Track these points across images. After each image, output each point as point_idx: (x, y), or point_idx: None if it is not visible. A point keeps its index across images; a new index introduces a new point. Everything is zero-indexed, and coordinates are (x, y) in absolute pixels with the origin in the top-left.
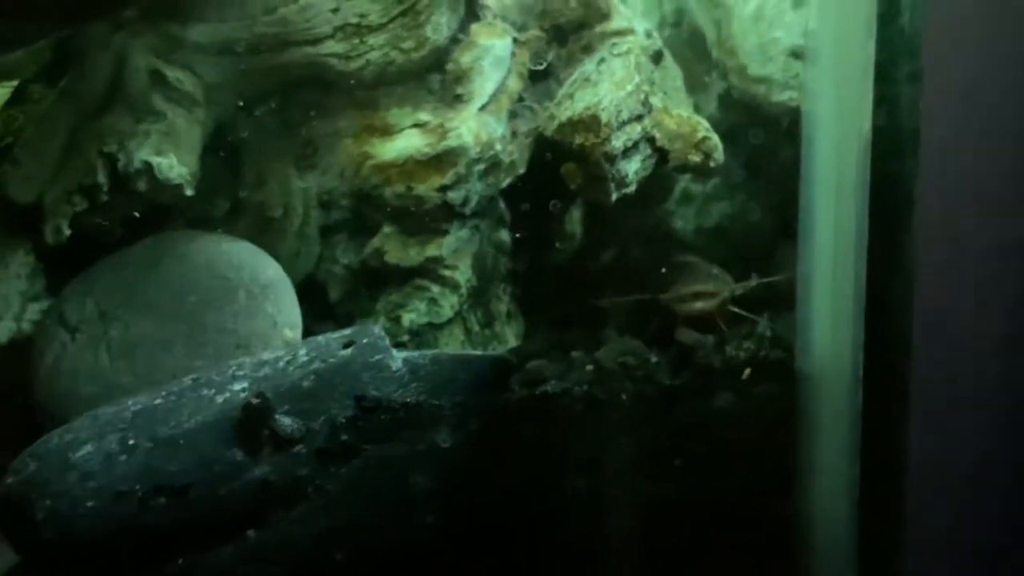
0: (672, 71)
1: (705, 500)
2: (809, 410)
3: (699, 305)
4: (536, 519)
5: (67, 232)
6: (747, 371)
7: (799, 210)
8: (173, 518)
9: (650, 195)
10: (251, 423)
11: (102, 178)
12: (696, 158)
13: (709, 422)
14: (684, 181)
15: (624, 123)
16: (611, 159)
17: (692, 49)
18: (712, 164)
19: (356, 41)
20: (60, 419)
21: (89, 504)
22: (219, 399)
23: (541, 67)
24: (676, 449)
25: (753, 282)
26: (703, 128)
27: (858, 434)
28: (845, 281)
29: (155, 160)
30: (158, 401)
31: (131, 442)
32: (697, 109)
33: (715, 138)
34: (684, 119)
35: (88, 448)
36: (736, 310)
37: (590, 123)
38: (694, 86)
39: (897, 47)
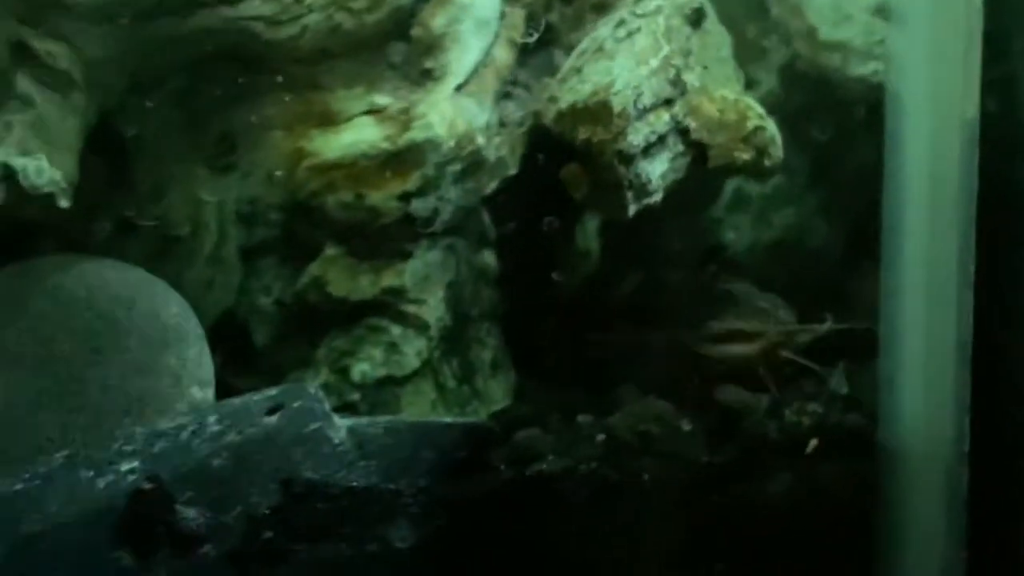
0: (717, 36)
1: None
2: (896, 497)
3: (735, 350)
4: None
5: None
6: (812, 444)
7: (882, 223)
8: None
9: (691, 198)
10: (142, 516)
11: None
12: (745, 155)
13: (761, 513)
14: (737, 179)
15: (646, 111)
16: (627, 160)
17: (746, 6)
18: (767, 163)
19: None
20: None
21: None
22: (100, 483)
23: (532, 38)
24: (716, 551)
25: (823, 327)
26: (755, 115)
27: (963, 529)
28: (945, 322)
29: (19, 162)
30: (19, 486)
31: None
32: (751, 86)
33: (771, 128)
34: (730, 103)
35: None
36: (790, 356)
37: (598, 112)
38: (748, 55)
39: (1016, 8)
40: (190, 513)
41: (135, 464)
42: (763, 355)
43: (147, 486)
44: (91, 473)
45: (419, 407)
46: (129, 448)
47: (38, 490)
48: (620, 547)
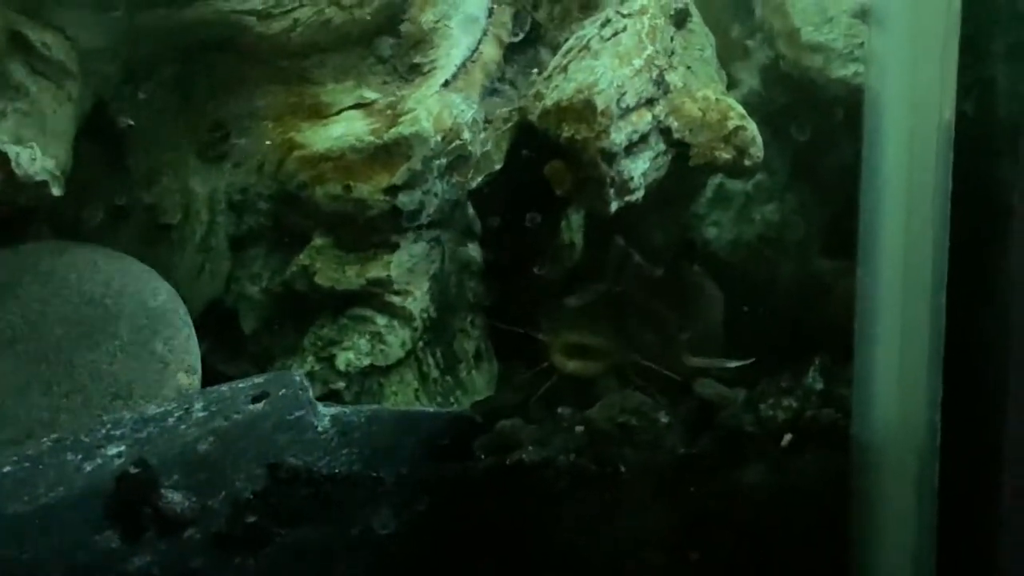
0: (700, 36)
1: None
2: (868, 489)
3: (572, 366)
4: None
5: None
6: (787, 437)
7: (859, 222)
8: None
9: (673, 194)
10: (129, 499)
11: None
12: (726, 154)
13: (736, 504)
14: (719, 177)
15: (629, 110)
16: (610, 158)
17: (731, 6)
18: (747, 163)
19: None
20: None
21: None
22: (88, 467)
23: (518, 38)
24: (691, 540)
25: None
26: (736, 115)
27: (934, 523)
28: (918, 317)
29: (13, 150)
30: (7, 468)
31: None
32: (733, 85)
33: (752, 128)
34: (711, 103)
35: None
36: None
37: (582, 110)
38: (731, 54)
39: (992, 13)
40: (176, 496)
41: (122, 448)
42: (607, 373)
43: (134, 470)
44: (79, 456)
45: (403, 396)
46: (116, 432)
47: (26, 472)
48: (597, 536)
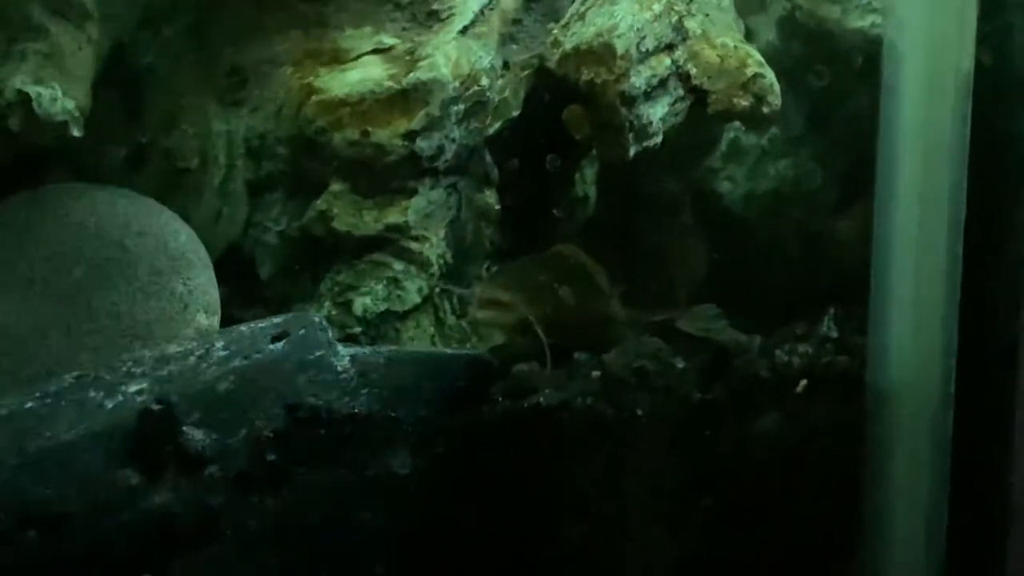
0: None
1: (743, 555)
2: (883, 436)
3: (482, 315)
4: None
5: None
6: (802, 383)
7: (876, 174)
8: (45, 557)
9: (688, 146)
10: (150, 436)
11: None
12: (744, 102)
13: (749, 450)
14: (734, 131)
15: (648, 54)
16: (629, 101)
17: None
18: (765, 110)
19: None
20: None
21: None
22: (109, 404)
23: None
24: (705, 486)
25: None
26: (755, 62)
27: (947, 469)
28: (934, 268)
29: (33, 90)
30: (29, 404)
31: None
32: (750, 36)
33: (770, 76)
34: (730, 50)
35: None
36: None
37: (601, 54)
38: (748, 5)
39: None
40: (197, 434)
41: (143, 386)
42: (516, 327)
43: (155, 407)
44: (100, 393)
45: (419, 342)
46: (138, 370)
47: (48, 408)
48: (612, 480)
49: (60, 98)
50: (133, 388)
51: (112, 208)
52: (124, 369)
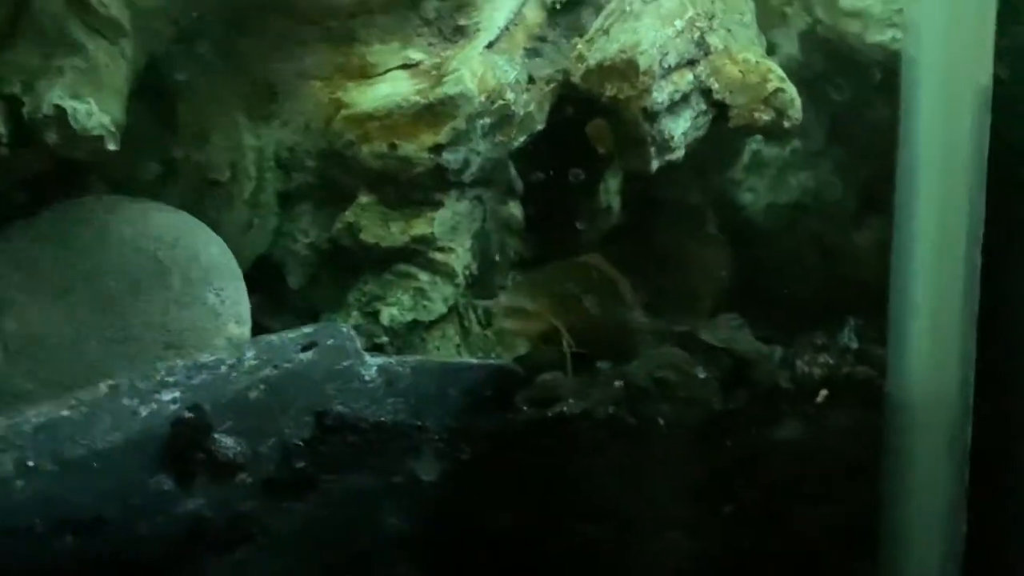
0: (740, 2)
1: (762, 562)
2: (901, 446)
3: (507, 324)
4: None
5: None
6: (822, 393)
7: (895, 186)
8: (81, 561)
9: (711, 159)
10: (183, 443)
11: (1, 127)
12: (765, 116)
13: (770, 458)
14: (756, 143)
15: (670, 70)
16: (651, 116)
17: None
18: (786, 124)
19: None
20: None
21: None
22: (143, 412)
23: (561, 1)
24: (725, 493)
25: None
26: (776, 77)
27: (965, 480)
28: (953, 279)
29: (70, 105)
30: (65, 413)
31: (30, 463)
32: (772, 51)
33: (791, 90)
34: (751, 65)
35: None
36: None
37: (625, 69)
38: (769, 20)
39: None
40: (228, 442)
41: (176, 394)
42: (540, 336)
43: (188, 415)
44: (135, 401)
45: (445, 351)
46: (171, 379)
47: (84, 417)
48: (634, 487)
49: (96, 112)
50: (166, 396)
51: (146, 220)
52: (158, 378)
